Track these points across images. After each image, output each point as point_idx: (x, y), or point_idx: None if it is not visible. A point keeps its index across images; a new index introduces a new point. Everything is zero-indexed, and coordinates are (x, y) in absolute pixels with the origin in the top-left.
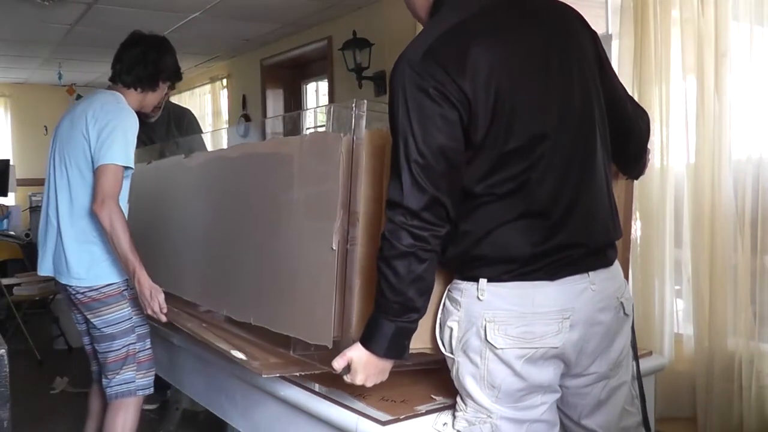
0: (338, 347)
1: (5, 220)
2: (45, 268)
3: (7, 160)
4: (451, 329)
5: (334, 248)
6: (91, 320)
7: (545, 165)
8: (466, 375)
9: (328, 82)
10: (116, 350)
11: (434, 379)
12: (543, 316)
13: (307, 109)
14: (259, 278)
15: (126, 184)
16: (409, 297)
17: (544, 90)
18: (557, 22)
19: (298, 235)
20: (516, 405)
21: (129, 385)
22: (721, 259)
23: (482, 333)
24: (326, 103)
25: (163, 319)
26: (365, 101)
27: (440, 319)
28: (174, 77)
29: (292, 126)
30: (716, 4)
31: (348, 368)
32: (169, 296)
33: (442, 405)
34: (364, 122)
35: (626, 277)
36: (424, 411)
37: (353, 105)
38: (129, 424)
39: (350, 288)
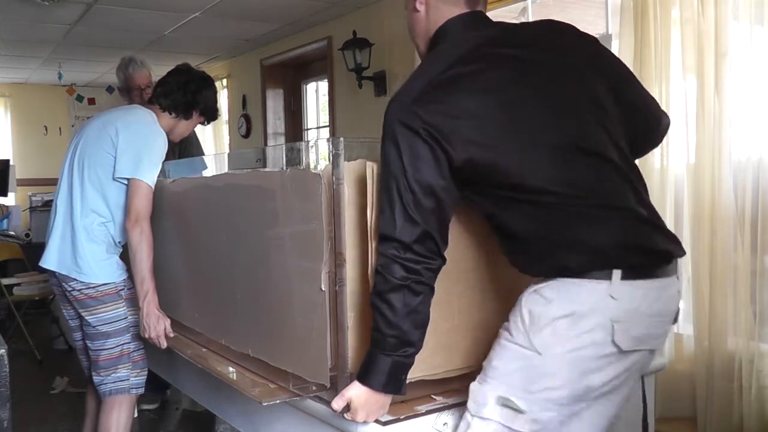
0: (335, 384)
1: (5, 220)
2: (48, 261)
3: (7, 160)
4: (555, 328)
5: (323, 289)
6: (86, 318)
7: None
8: (559, 376)
9: (328, 82)
10: (109, 349)
11: (434, 379)
12: (657, 319)
13: (309, 140)
14: (254, 311)
15: None
16: (404, 330)
17: (539, 126)
18: (551, 49)
19: (288, 273)
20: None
21: (123, 383)
22: (721, 258)
23: (609, 333)
24: (326, 103)
25: (163, 345)
26: (341, 139)
27: (533, 312)
28: (209, 114)
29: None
30: (716, 4)
31: (348, 407)
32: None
33: (442, 405)
34: (342, 161)
35: None
36: (424, 411)
37: (329, 143)
38: (123, 422)
39: (342, 327)
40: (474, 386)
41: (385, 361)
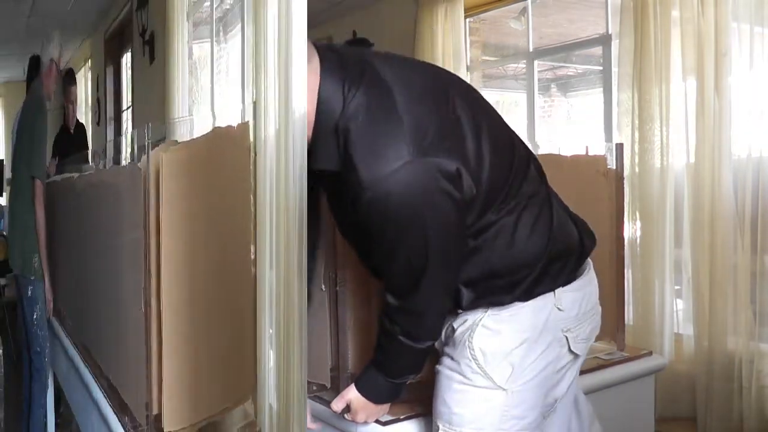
0: (336, 384)
1: (0, 220)
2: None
3: (2, 160)
4: (512, 360)
5: (323, 289)
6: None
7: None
8: (528, 405)
9: None
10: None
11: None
12: (594, 312)
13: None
14: None
15: None
16: (414, 367)
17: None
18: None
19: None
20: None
21: None
22: (721, 258)
23: (564, 345)
24: None
25: None
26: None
27: (485, 350)
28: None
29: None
30: (716, 4)
31: (348, 408)
32: None
33: None
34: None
35: (623, 276)
36: (424, 411)
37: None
38: None
39: (343, 327)
40: None
41: (387, 384)
